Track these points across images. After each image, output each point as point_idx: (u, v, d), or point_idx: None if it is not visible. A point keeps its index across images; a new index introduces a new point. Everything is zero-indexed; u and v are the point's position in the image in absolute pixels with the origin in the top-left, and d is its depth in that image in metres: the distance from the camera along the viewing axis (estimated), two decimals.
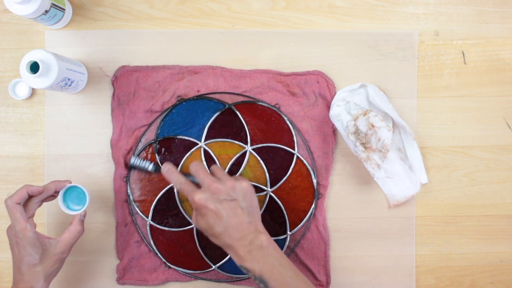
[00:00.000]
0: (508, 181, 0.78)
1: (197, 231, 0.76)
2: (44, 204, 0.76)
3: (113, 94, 0.76)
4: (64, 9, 0.74)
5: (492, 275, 0.78)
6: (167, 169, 0.68)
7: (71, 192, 0.70)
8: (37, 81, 0.66)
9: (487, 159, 0.77)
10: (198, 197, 0.63)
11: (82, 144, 0.77)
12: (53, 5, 0.70)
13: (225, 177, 0.65)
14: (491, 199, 0.78)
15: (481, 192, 0.78)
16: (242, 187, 0.64)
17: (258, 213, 0.66)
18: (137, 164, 0.73)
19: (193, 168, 0.66)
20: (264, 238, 0.63)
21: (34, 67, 0.65)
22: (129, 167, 0.75)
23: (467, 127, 0.77)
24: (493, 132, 0.77)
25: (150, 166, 0.73)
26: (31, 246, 0.65)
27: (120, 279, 0.76)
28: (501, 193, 0.78)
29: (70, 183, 0.70)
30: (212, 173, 0.67)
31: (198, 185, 0.66)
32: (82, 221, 0.69)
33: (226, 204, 0.63)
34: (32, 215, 0.67)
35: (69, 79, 0.70)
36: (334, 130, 0.76)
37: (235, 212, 0.63)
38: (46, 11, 0.69)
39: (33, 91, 0.77)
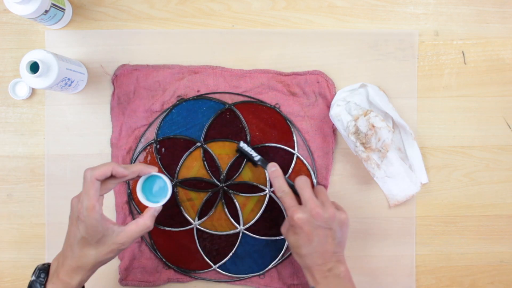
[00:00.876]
0: (508, 181, 0.78)
1: (197, 230, 0.76)
2: (44, 204, 0.76)
3: (113, 93, 0.76)
4: (64, 9, 0.74)
5: (492, 275, 0.78)
6: (273, 170, 0.68)
7: (150, 182, 0.65)
8: (37, 81, 0.66)
9: (487, 159, 0.77)
10: (298, 216, 0.64)
11: (82, 144, 0.77)
12: (53, 5, 0.70)
13: (327, 203, 0.66)
14: (491, 199, 0.78)
15: (481, 192, 0.78)
16: (341, 218, 0.65)
17: (345, 244, 0.67)
18: (245, 149, 0.73)
19: (300, 183, 0.67)
20: (343, 268, 0.65)
21: (34, 67, 0.65)
22: (237, 150, 0.74)
23: (467, 127, 0.77)
24: (493, 132, 0.77)
25: (256, 157, 0.72)
26: (92, 227, 0.59)
27: (123, 280, 0.76)
28: (501, 193, 0.78)
29: (156, 171, 0.64)
30: (315, 193, 0.67)
31: (293, 189, 0.67)
32: (154, 216, 0.63)
33: (321, 231, 0.64)
34: (104, 194, 0.62)
35: (69, 79, 0.70)
36: (334, 130, 0.76)
37: (326, 241, 0.64)
38: (46, 11, 0.69)
39: (33, 91, 0.77)
